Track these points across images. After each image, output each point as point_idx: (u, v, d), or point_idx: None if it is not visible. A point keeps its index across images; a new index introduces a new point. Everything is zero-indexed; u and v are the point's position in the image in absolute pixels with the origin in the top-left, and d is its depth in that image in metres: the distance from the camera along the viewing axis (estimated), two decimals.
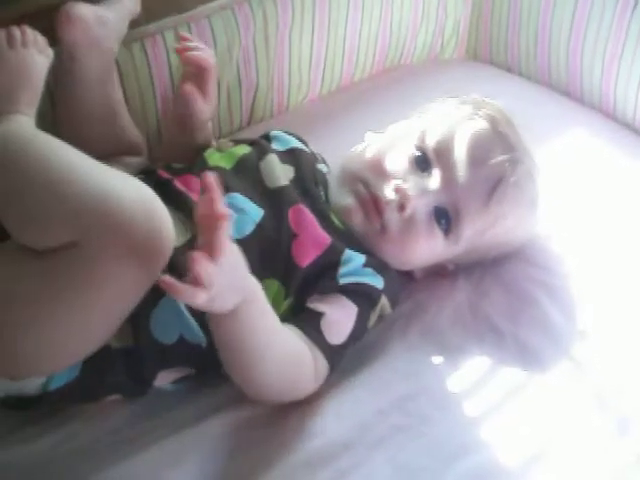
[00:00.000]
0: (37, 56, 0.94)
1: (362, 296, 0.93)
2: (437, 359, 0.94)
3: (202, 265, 0.71)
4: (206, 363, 0.89)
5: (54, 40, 0.98)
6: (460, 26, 1.47)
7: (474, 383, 0.92)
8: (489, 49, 1.48)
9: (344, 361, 0.92)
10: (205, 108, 1.02)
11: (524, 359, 0.94)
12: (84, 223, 0.78)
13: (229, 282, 0.74)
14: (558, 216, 1.12)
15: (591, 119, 1.32)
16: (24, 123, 0.89)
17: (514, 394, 0.91)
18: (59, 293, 0.80)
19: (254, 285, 0.80)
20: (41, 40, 0.95)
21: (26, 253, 0.82)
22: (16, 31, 0.94)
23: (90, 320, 0.81)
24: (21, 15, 0.99)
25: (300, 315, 0.90)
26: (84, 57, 1.01)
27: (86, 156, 0.83)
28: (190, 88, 1.00)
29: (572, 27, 1.33)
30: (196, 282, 0.71)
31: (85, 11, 1.00)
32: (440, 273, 1.04)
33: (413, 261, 1.00)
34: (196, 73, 1.01)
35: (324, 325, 0.90)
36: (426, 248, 0.98)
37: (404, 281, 1.01)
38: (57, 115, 1.06)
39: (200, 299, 0.72)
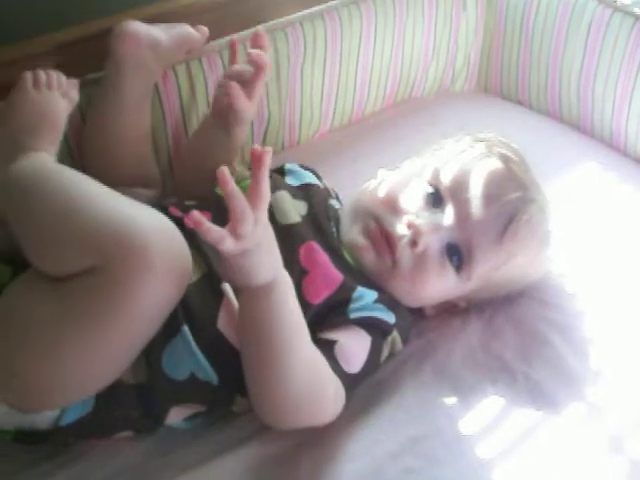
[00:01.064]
0: (60, 99, 0.98)
1: (374, 327, 0.93)
2: (449, 400, 0.93)
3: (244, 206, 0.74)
4: (217, 400, 0.89)
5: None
6: (471, 59, 1.47)
7: (487, 425, 0.91)
8: (499, 82, 1.48)
9: (356, 401, 0.91)
10: (248, 106, 1.02)
11: (537, 401, 0.93)
12: (106, 245, 0.79)
13: (264, 247, 0.77)
14: (570, 253, 1.11)
15: (602, 154, 1.31)
16: (49, 159, 0.92)
17: (527, 436, 0.90)
18: (78, 319, 0.80)
19: (285, 272, 0.82)
20: (65, 83, 1.00)
21: (45, 280, 0.83)
22: (42, 74, 0.98)
23: (107, 348, 0.81)
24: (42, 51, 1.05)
25: None
26: (130, 72, 1.04)
27: (106, 187, 0.86)
28: (234, 84, 1.00)
29: (583, 64, 1.33)
30: (232, 230, 0.74)
31: (139, 29, 1.05)
32: (451, 311, 1.03)
33: (424, 297, 1.00)
34: (245, 72, 1.01)
35: (338, 353, 0.89)
36: (437, 285, 0.98)
37: (415, 319, 1.01)
38: (84, 138, 1.08)
39: (228, 244, 0.73)
